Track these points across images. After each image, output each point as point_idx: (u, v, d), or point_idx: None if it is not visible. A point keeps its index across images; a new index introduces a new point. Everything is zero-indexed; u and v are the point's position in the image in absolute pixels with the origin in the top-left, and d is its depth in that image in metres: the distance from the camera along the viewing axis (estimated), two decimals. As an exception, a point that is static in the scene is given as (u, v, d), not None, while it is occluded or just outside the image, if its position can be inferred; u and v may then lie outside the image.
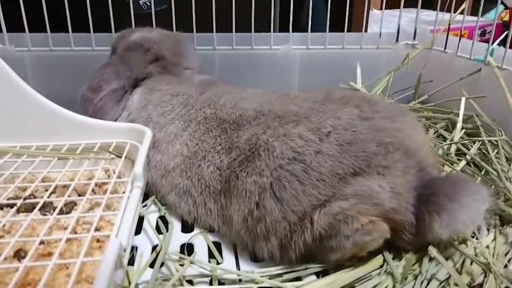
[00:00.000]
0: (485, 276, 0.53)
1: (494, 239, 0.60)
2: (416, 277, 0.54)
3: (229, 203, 0.60)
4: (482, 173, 0.75)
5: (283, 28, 1.16)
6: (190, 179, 0.65)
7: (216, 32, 1.07)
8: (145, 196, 0.71)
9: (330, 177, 0.53)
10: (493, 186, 0.69)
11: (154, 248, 0.61)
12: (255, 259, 0.59)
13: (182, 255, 0.58)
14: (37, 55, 1.03)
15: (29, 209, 0.59)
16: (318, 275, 0.57)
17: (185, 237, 0.64)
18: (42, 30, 1.00)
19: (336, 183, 0.53)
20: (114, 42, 0.92)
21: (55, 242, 0.53)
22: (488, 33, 1.78)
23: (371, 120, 0.59)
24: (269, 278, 0.55)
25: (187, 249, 0.62)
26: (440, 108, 1.02)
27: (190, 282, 0.55)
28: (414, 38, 1.19)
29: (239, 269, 0.58)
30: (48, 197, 0.60)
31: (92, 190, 0.63)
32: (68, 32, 1.02)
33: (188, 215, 0.66)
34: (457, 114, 0.91)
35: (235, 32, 1.08)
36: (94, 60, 0.89)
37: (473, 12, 1.57)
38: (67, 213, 0.60)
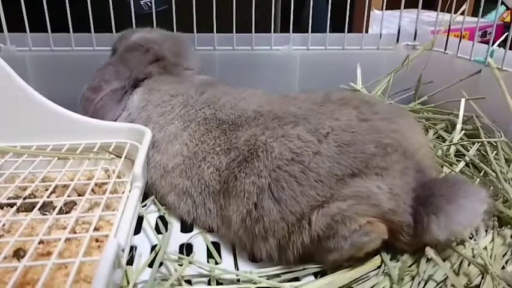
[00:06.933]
0: (482, 278, 0.53)
1: (492, 240, 0.60)
2: (413, 278, 0.54)
3: (228, 204, 0.60)
4: (481, 174, 0.75)
5: (285, 29, 1.16)
6: (190, 179, 0.65)
7: (217, 32, 1.08)
8: (145, 196, 0.72)
9: (328, 178, 0.54)
10: (492, 188, 0.69)
11: (153, 247, 0.61)
12: (254, 259, 0.60)
13: (181, 255, 0.58)
14: (38, 55, 1.03)
15: (29, 208, 0.60)
16: (316, 275, 0.57)
17: (184, 237, 0.64)
18: (44, 30, 1.01)
19: (334, 184, 0.53)
20: (115, 42, 0.92)
21: (54, 241, 0.53)
22: (489, 34, 1.78)
23: (369, 122, 0.60)
24: (267, 278, 0.55)
25: (186, 249, 0.62)
26: (440, 109, 1.02)
27: (188, 282, 0.55)
28: (414, 38, 1.19)
29: (237, 269, 0.58)
30: (48, 197, 0.60)
31: (92, 190, 0.63)
32: (69, 32, 1.02)
33: (188, 215, 0.66)
34: (457, 115, 0.91)
35: (236, 32, 1.09)
36: (94, 60, 0.89)
37: (475, 13, 1.57)
38: (67, 212, 0.60)
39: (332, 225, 0.53)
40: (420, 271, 0.54)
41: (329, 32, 1.14)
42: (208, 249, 0.62)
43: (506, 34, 0.92)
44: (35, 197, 0.63)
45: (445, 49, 1.10)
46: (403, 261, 0.54)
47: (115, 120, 0.80)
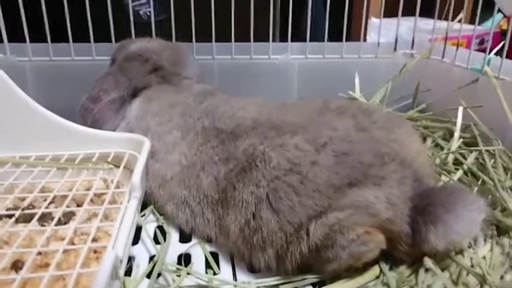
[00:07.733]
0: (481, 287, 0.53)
1: (491, 249, 0.60)
2: (412, 288, 0.54)
3: (226, 214, 0.60)
4: (479, 182, 0.75)
5: (284, 38, 1.16)
6: (188, 189, 0.65)
7: (215, 41, 1.08)
8: (144, 205, 0.71)
9: (326, 188, 0.54)
10: (490, 196, 0.70)
11: (151, 258, 0.61)
12: (252, 270, 0.59)
13: (179, 266, 0.58)
14: (38, 65, 1.03)
15: (27, 219, 0.59)
16: (315, 285, 0.57)
17: (182, 248, 0.64)
18: (43, 40, 1.01)
19: (332, 194, 0.54)
20: (114, 52, 0.92)
21: (53, 253, 0.53)
22: (486, 41, 1.78)
23: (367, 131, 0.60)
24: (266, 289, 0.55)
25: (185, 259, 0.62)
26: (438, 117, 1.02)
27: (186, 292, 0.55)
28: (412, 46, 1.19)
29: (236, 280, 0.58)
30: (46, 207, 0.60)
31: (91, 200, 0.63)
32: (69, 42, 1.03)
33: (186, 225, 0.66)
34: (455, 124, 0.91)
35: (235, 41, 1.09)
36: (94, 70, 0.89)
37: (472, 21, 1.57)
38: (65, 223, 0.60)
39: (330, 235, 0.53)
40: (418, 281, 0.54)
41: (327, 40, 1.14)
42: (206, 260, 0.62)
43: (502, 43, 0.92)
44: (33, 207, 0.63)
45: (442, 57, 1.10)
46: (401, 272, 0.54)
47: (113, 130, 0.80)
